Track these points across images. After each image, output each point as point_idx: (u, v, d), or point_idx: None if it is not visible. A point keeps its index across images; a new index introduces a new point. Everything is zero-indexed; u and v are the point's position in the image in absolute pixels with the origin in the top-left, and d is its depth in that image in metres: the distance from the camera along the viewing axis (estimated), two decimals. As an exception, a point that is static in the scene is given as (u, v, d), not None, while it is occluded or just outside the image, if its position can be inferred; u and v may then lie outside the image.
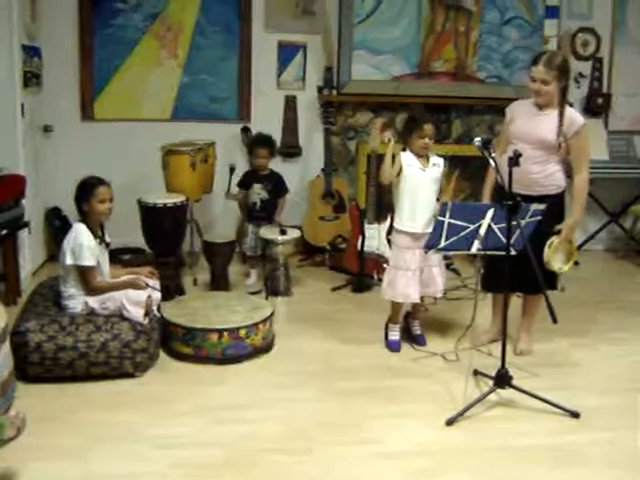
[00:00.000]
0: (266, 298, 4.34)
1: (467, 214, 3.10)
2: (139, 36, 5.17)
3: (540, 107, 3.47)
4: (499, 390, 3.13)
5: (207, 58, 5.29)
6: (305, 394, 3.22)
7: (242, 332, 3.50)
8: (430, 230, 3.24)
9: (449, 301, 4.40)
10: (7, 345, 2.85)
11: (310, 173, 5.45)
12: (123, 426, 2.86)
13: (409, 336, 3.86)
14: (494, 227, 3.09)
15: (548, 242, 3.42)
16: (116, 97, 5.22)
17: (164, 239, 4.42)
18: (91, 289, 3.37)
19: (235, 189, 4.88)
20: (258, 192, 4.81)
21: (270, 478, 2.59)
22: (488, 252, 3.17)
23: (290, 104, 5.48)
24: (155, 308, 3.48)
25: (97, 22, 5.09)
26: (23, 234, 4.40)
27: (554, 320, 2.86)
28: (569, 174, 3.55)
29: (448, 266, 4.63)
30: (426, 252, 3.39)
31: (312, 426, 2.93)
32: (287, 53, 5.40)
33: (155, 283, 3.57)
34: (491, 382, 3.15)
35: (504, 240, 3.06)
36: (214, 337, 3.46)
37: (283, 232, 4.52)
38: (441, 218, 3.09)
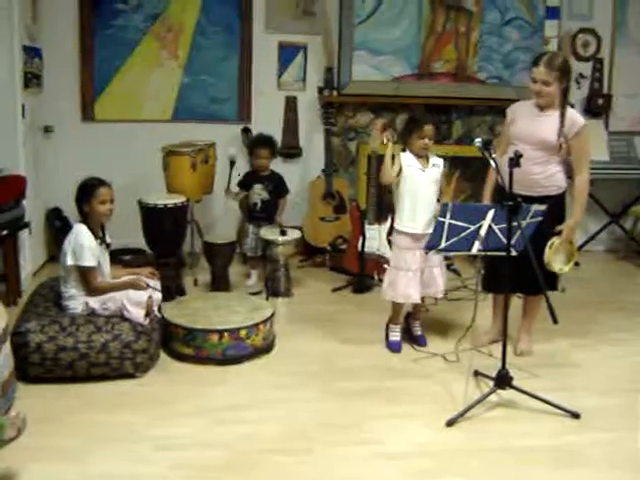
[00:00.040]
0: (266, 299, 4.34)
1: (468, 215, 3.10)
2: (139, 37, 5.17)
3: (541, 108, 3.47)
4: (499, 391, 3.13)
5: (207, 59, 5.28)
6: (306, 394, 3.22)
7: (243, 333, 3.50)
8: (430, 231, 3.24)
9: (450, 302, 4.39)
10: (7, 346, 2.86)
11: (310, 174, 5.45)
12: (123, 427, 2.86)
13: (410, 337, 3.86)
14: (495, 228, 3.08)
15: (549, 243, 3.42)
16: (117, 98, 5.22)
17: (165, 240, 4.42)
18: (92, 290, 3.37)
19: (235, 187, 4.88)
20: (259, 193, 4.80)
21: (271, 479, 2.59)
22: (489, 253, 3.17)
23: (290, 105, 5.48)
24: (156, 309, 3.48)
25: (98, 23, 5.09)
26: (24, 235, 4.40)
27: (554, 321, 2.87)
28: (570, 175, 3.55)
29: (449, 267, 4.62)
30: (427, 253, 3.39)
31: (313, 426, 2.93)
32: (287, 54, 5.40)
33: (156, 284, 3.58)
34: (491, 383, 3.14)
35: (505, 241, 3.06)
36: (215, 338, 3.46)
37: (283, 233, 4.52)
38: (442, 219, 3.09)
